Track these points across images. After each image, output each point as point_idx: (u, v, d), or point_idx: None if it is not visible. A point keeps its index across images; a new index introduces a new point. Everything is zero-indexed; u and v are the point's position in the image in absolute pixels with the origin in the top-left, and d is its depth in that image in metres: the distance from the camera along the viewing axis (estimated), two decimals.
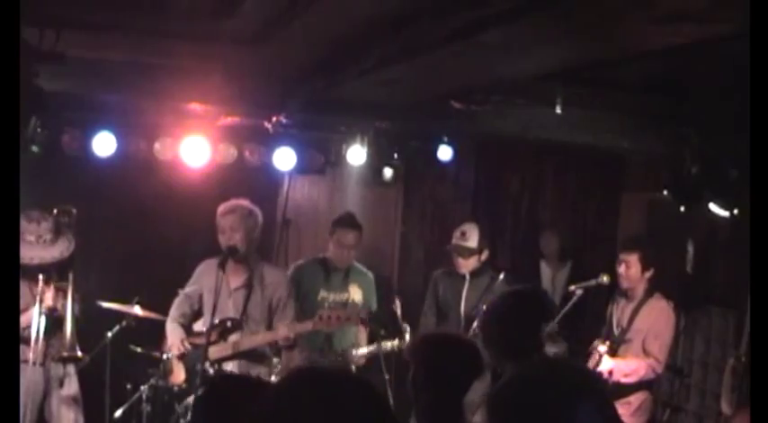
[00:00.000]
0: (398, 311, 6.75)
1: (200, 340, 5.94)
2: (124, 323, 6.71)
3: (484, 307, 4.65)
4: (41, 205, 6.32)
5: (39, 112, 5.74)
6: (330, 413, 1.98)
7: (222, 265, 5.85)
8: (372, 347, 6.72)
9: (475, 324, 6.32)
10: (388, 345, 6.58)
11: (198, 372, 5.77)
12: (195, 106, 7.31)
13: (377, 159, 8.13)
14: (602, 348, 6.31)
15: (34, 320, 5.98)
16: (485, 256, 7.03)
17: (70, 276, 6.24)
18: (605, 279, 6.52)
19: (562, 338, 7.59)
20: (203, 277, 6.20)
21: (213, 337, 5.95)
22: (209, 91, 6.74)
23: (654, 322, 6.39)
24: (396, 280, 9.16)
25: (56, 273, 6.21)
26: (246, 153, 7.95)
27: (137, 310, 6.67)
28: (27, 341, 6.00)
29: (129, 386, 6.74)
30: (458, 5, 4.07)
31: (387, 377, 6.32)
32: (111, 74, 6.41)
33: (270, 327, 6.09)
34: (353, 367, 6.62)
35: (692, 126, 6.48)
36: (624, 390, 6.32)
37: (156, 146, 7.66)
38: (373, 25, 4.78)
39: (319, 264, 7.03)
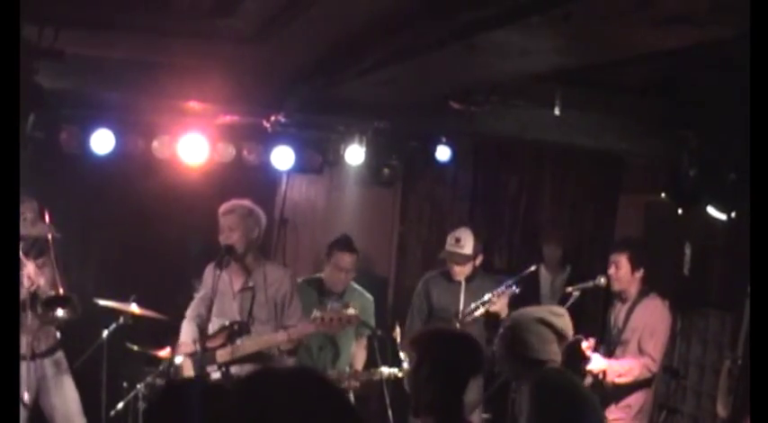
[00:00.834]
0: (398, 339, 6.68)
1: (210, 343, 5.93)
2: (121, 321, 6.70)
3: (507, 321, 4.70)
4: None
5: (37, 110, 5.73)
6: (287, 412, 1.96)
7: (219, 265, 5.84)
8: (368, 373, 6.64)
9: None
10: (386, 372, 6.52)
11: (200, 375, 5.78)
12: (194, 104, 7.30)
13: (375, 159, 8.13)
14: (585, 344, 6.29)
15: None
16: (479, 261, 7.02)
17: (52, 256, 6.23)
18: (603, 281, 6.52)
19: None
20: (209, 280, 6.17)
21: (220, 341, 5.94)
22: (208, 89, 6.73)
23: (648, 320, 6.38)
24: (393, 280, 9.16)
25: (36, 253, 6.22)
26: (245, 152, 7.95)
27: (134, 307, 6.66)
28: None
29: (125, 384, 6.74)
30: (457, 6, 4.08)
31: (387, 401, 6.30)
32: (109, 71, 6.41)
33: (277, 326, 6.06)
34: (352, 394, 6.48)
35: (691, 129, 6.49)
36: (622, 391, 6.31)
37: (155, 144, 7.66)
38: (372, 25, 4.78)
39: (313, 285, 6.94)
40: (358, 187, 8.82)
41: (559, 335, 4.48)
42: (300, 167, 8.28)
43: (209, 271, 6.15)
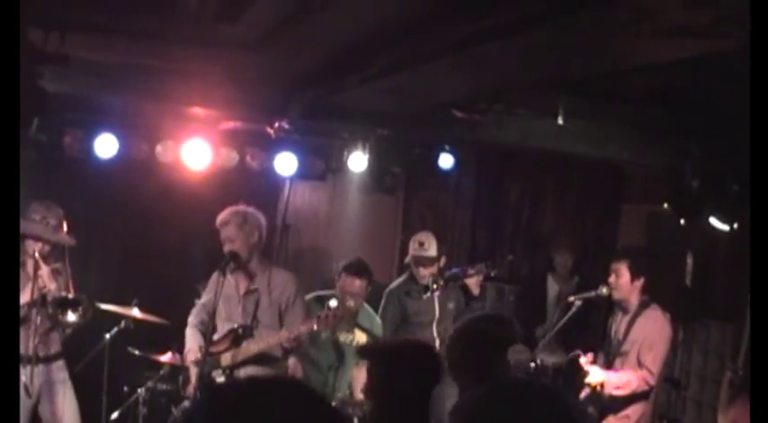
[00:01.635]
0: None
1: (214, 348, 5.94)
2: (122, 325, 6.70)
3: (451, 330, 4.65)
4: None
5: (41, 114, 5.75)
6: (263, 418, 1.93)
7: (224, 271, 5.86)
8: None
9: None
10: None
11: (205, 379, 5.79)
12: (197, 110, 7.32)
13: (378, 166, 8.14)
14: (583, 359, 6.30)
15: (27, 299, 6.02)
16: (443, 263, 7.06)
17: (66, 264, 6.28)
18: (605, 291, 6.49)
19: (561, 349, 7.60)
20: (214, 285, 6.16)
21: (225, 345, 5.96)
22: (212, 95, 6.75)
23: (648, 333, 6.36)
24: None
25: (52, 258, 6.25)
26: (248, 157, 7.96)
27: (135, 312, 6.66)
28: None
29: (126, 388, 6.75)
30: (461, 16, 4.09)
31: None
32: (114, 76, 6.42)
33: (281, 329, 6.07)
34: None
35: (694, 139, 6.49)
36: (620, 402, 6.30)
37: (158, 148, 7.67)
38: (377, 34, 4.80)
39: (321, 303, 6.71)
40: (361, 194, 8.83)
41: (506, 344, 4.36)
42: (303, 174, 8.30)
43: (216, 277, 6.16)
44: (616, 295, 6.44)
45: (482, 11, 3.97)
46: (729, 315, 7.60)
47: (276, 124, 7.37)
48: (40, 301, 6.10)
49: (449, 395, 5.62)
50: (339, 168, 8.39)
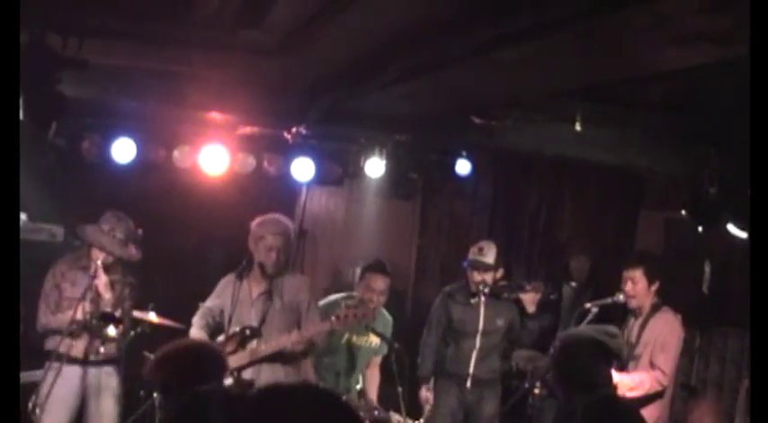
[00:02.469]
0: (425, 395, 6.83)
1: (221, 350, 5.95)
2: (139, 329, 6.72)
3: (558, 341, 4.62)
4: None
5: (60, 118, 5.78)
6: None
7: (240, 276, 5.88)
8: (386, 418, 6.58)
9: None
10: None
11: None
12: (215, 115, 7.34)
13: (395, 172, 8.12)
14: None
15: (80, 310, 6.11)
16: (500, 273, 7.01)
17: (127, 277, 6.47)
18: (621, 297, 6.47)
19: None
20: (227, 290, 6.17)
21: (233, 346, 5.97)
22: (230, 100, 6.77)
23: (660, 333, 6.33)
24: (411, 293, 9.15)
25: (113, 270, 6.38)
26: (265, 163, 7.96)
27: (152, 316, 6.68)
28: (72, 335, 6.15)
29: (142, 393, 6.75)
30: (479, 22, 4.09)
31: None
32: (132, 81, 6.46)
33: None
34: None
35: (712, 146, 6.46)
36: (635, 405, 6.27)
37: (176, 153, 7.69)
38: (395, 39, 4.80)
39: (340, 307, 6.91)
40: (377, 200, 8.82)
41: (614, 357, 4.39)
42: (320, 179, 8.29)
43: (227, 281, 6.17)
44: (633, 303, 6.41)
45: (500, 17, 3.97)
46: (747, 322, 7.55)
47: (293, 129, 7.38)
48: (91, 309, 6.22)
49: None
50: (356, 174, 8.38)
